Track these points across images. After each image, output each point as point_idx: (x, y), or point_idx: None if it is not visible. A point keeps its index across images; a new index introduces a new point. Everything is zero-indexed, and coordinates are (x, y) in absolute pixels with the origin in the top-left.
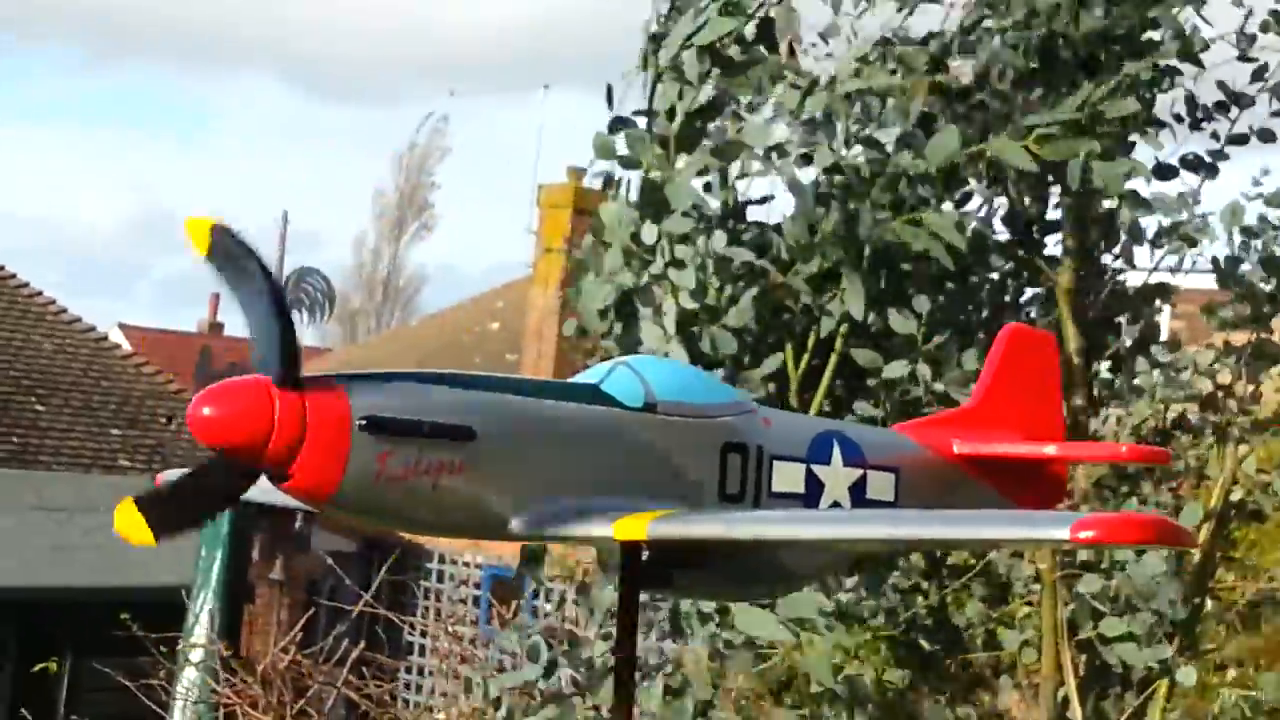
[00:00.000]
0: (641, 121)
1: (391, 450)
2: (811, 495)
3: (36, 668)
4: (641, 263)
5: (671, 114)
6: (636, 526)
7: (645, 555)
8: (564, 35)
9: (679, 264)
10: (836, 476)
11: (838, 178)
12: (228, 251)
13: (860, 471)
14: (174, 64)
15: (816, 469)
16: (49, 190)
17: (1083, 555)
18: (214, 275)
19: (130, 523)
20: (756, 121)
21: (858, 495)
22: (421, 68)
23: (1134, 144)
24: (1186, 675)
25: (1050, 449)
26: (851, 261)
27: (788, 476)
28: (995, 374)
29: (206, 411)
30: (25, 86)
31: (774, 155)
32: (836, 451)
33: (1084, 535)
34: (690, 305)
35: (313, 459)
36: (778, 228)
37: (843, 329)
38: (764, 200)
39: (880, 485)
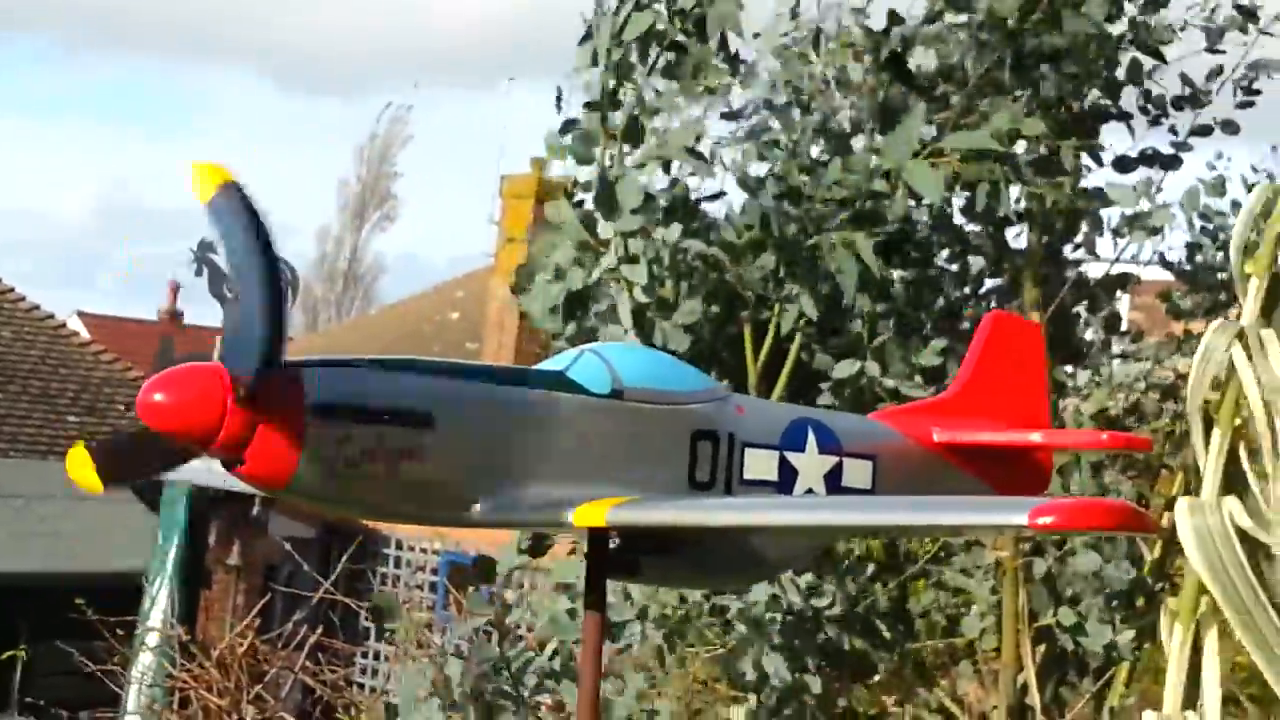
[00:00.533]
0: (596, 117)
1: (348, 435)
2: (785, 482)
3: (4, 655)
4: (595, 258)
5: (616, 108)
6: (596, 513)
7: (613, 543)
8: (532, 25)
9: (633, 259)
10: (811, 464)
11: (777, 173)
12: (232, 209)
13: (836, 459)
14: (150, 57)
15: (790, 456)
16: (19, 181)
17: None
18: (211, 226)
19: (81, 468)
20: (685, 121)
21: (833, 483)
22: (403, 59)
23: (1090, 145)
24: (1124, 637)
25: (1034, 436)
26: (803, 262)
27: (760, 464)
28: (977, 361)
29: (157, 398)
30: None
31: (719, 153)
32: (811, 439)
33: (1043, 521)
34: (643, 299)
35: (266, 445)
36: (730, 219)
37: (801, 323)
38: (715, 197)
39: (856, 473)
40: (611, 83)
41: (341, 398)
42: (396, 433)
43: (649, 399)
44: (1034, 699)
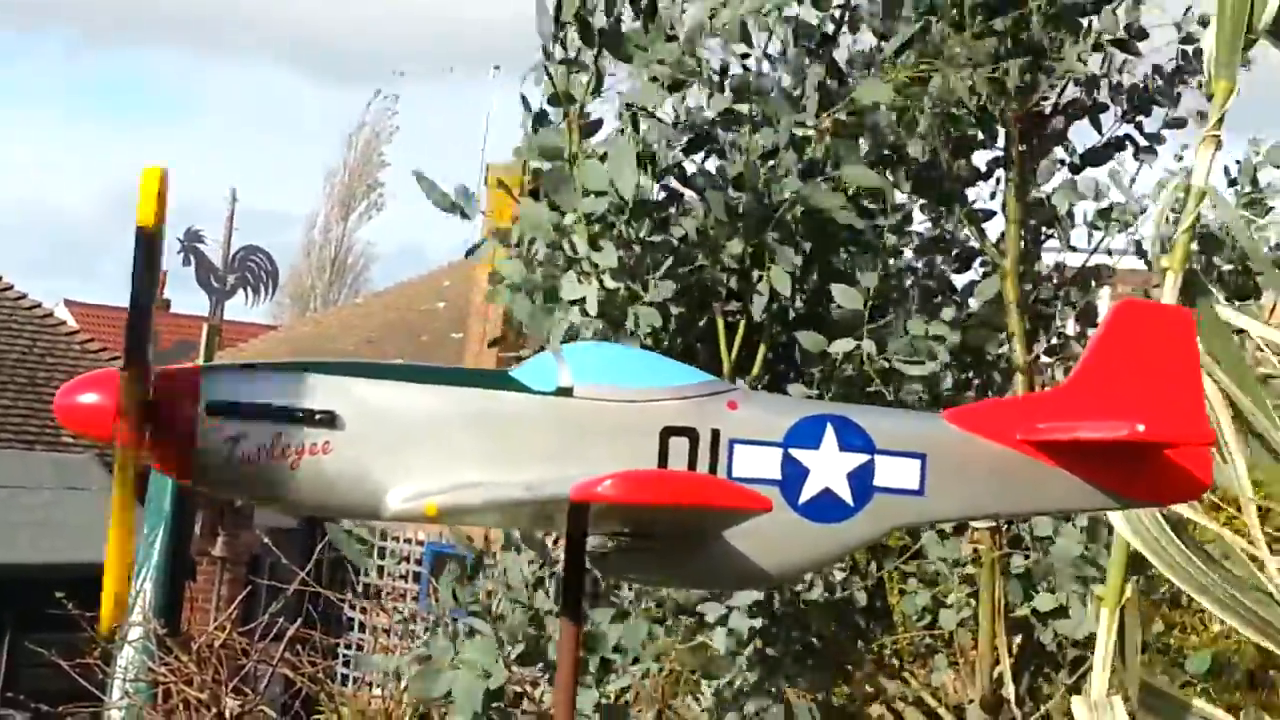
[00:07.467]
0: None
1: (243, 433)
2: (791, 480)
3: None
4: (564, 254)
5: (569, 99)
6: (430, 504)
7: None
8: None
9: (598, 246)
10: (827, 462)
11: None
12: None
13: (865, 457)
14: (164, 49)
15: (798, 454)
16: (26, 172)
17: (1016, 532)
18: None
19: None
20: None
21: (860, 482)
22: (402, 48)
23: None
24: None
25: (1127, 430)
26: (780, 236)
27: (755, 461)
28: (1096, 355)
29: (63, 402)
30: (12, 70)
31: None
32: (829, 436)
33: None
34: (613, 285)
35: (160, 441)
36: (706, 209)
37: (774, 309)
38: (679, 187)
39: (896, 471)
40: (562, 75)
41: (235, 397)
42: (295, 431)
43: (603, 395)
44: (1009, 690)
